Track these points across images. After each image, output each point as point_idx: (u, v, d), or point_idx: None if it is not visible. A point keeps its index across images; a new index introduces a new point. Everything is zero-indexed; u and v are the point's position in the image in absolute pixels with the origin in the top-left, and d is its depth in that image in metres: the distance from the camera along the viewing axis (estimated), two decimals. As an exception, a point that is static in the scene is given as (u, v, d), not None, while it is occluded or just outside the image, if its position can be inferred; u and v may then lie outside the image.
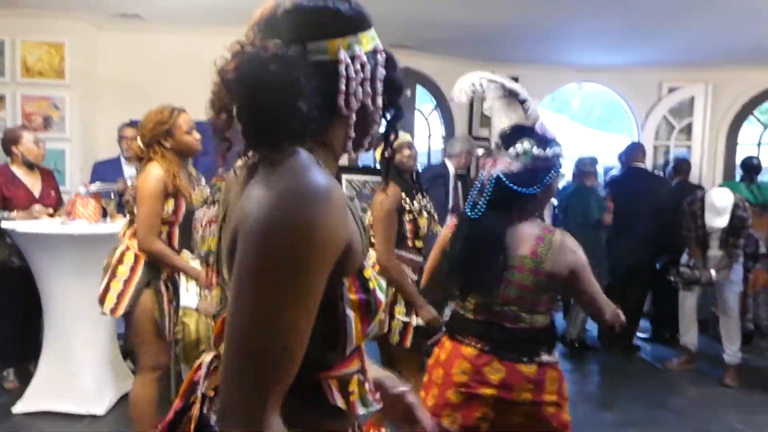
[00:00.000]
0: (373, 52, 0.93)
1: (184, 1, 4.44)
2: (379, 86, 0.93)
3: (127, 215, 2.77)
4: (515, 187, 1.82)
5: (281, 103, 0.80)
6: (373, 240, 2.70)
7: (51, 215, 3.75)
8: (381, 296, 0.90)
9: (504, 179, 1.82)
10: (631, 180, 5.38)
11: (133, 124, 4.31)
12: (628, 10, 4.66)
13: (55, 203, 3.93)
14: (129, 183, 3.86)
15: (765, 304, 4.83)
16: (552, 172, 1.86)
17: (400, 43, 5.56)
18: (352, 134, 0.91)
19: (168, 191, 2.59)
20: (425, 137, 6.31)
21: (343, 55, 0.88)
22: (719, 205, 4.27)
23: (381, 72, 0.93)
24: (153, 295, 2.63)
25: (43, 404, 3.43)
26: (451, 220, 2.05)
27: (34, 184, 3.86)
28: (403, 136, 2.79)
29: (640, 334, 5.36)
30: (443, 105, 6.20)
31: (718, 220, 4.26)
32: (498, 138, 1.97)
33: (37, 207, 3.71)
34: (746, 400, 4.10)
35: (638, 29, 5.19)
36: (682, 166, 5.56)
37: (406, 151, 2.82)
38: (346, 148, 0.93)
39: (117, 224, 3.68)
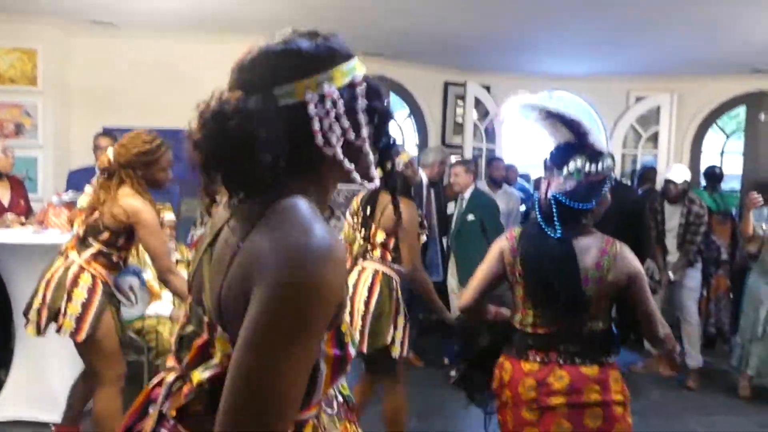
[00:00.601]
0: (350, 86, 0.93)
1: (156, 8, 4.47)
2: (361, 117, 0.93)
3: (81, 229, 2.62)
4: (573, 204, 1.88)
5: (242, 157, 0.84)
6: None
7: (23, 224, 3.75)
8: (352, 351, 0.93)
9: (561, 198, 1.88)
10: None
11: (107, 133, 4.31)
12: (595, 22, 4.81)
13: (24, 212, 3.92)
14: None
15: (726, 309, 4.99)
16: (605, 184, 1.93)
17: (373, 51, 5.64)
18: (350, 167, 0.92)
19: None
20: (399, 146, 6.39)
21: (310, 96, 0.89)
22: (676, 176, 4.42)
23: (361, 103, 0.93)
24: (113, 314, 2.62)
25: (14, 412, 3.42)
26: (502, 238, 2.05)
27: (3, 193, 3.85)
28: (405, 155, 2.92)
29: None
30: (417, 113, 6.30)
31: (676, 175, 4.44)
32: (548, 158, 2.01)
33: (9, 216, 3.70)
34: (707, 403, 4.23)
35: (606, 40, 5.35)
36: (648, 174, 5.74)
37: (409, 170, 2.93)
38: (356, 180, 0.94)
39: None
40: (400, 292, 2.83)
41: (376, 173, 0.98)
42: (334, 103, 0.90)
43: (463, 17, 4.73)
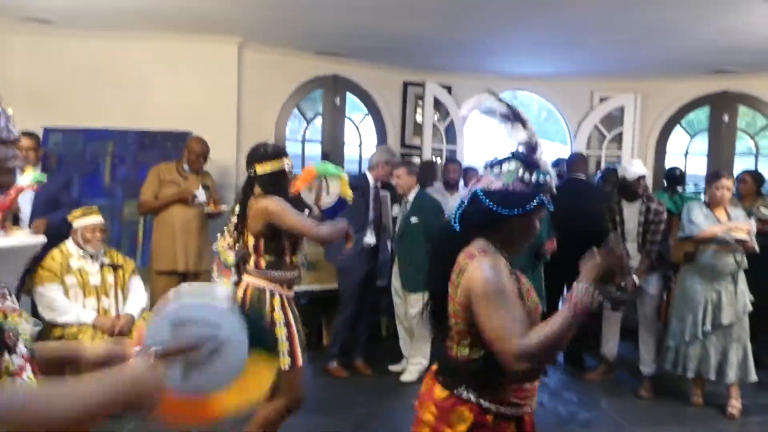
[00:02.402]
0: None
1: (95, 6, 4.33)
2: None
3: None
4: (488, 203, 1.71)
5: None
6: None
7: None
8: None
9: (481, 195, 1.73)
10: (567, 192, 5.40)
11: (26, 134, 4.11)
12: (555, 23, 4.70)
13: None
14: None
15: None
16: (533, 200, 1.71)
17: (330, 51, 5.53)
18: None
19: None
20: (356, 146, 6.27)
21: None
22: (632, 170, 4.33)
23: None
24: None
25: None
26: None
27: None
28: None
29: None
30: (375, 113, 6.19)
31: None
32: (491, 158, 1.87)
33: None
34: (656, 412, 4.14)
35: (569, 40, 5.25)
36: (611, 176, 5.61)
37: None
38: None
39: (11, 238, 3.56)
40: (279, 303, 2.77)
41: None
42: None
43: (421, 17, 4.61)
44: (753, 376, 4.08)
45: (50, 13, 4.51)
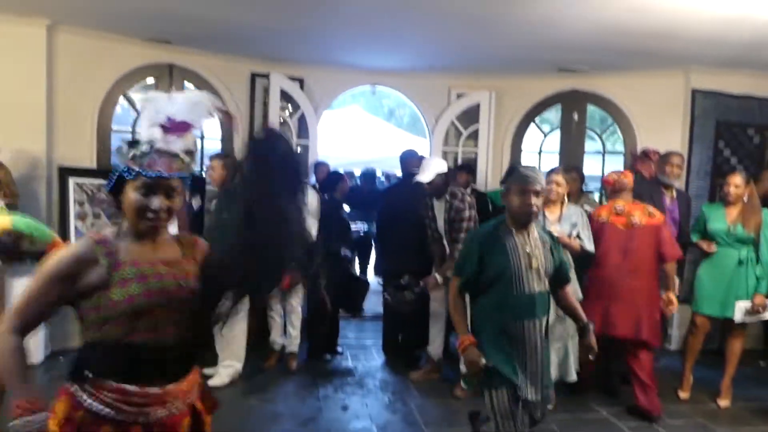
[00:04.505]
0: None
1: None
2: None
3: None
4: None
5: None
6: None
7: None
8: None
9: None
10: (398, 190, 5.37)
11: None
12: (400, 17, 4.56)
13: None
14: None
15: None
16: (116, 173, 1.65)
17: (162, 38, 5.25)
18: None
19: None
20: (197, 138, 6.01)
21: None
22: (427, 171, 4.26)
23: None
24: None
25: None
26: None
27: None
28: None
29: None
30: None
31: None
32: None
33: None
34: (458, 412, 4.05)
35: (421, 35, 5.15)
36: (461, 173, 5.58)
37: None
38: None
39: None
40: None
41: None
42: None
43: (257, 5, 4.37)
44: (572, 376, 4.12)
45: None
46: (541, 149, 6.71)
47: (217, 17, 4.71)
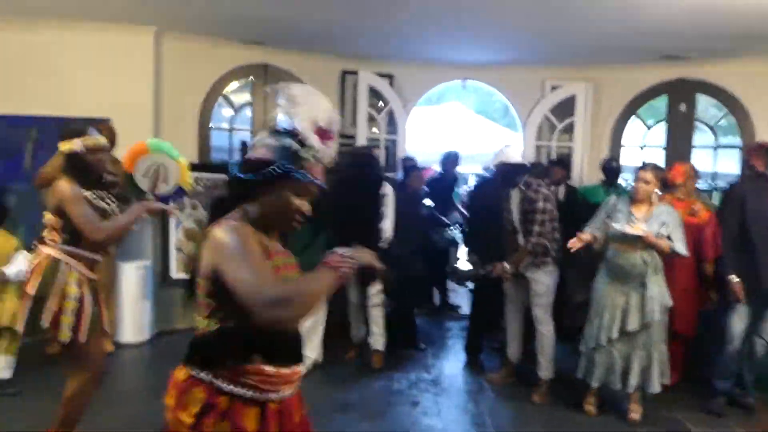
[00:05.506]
0: None
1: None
2: None
3: None
4: (233, 171, 1.69)
5: None
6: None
7: None
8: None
9: (233, 164, 1.77)
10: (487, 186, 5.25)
11: None
12: (502, 9, 4.50)
13: None
14: None
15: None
16: (272, 165, 1.61)
17: (257, 40, 5.52)
18: None
19: None
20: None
21: None
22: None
23: None
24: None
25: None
26: None
27: None
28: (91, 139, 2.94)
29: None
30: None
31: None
32: None
33: None
34: (553, 418, 3.91)
35: (518, 27, 5.01)
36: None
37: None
38: None
39: None
40: (75, 278, 2.77)
41: None
42: None
43: (346, 5, 4.50)
44: (655, 387, 3.80)
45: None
46: (645, 143, 6.26)
47: (308, 18, 4.88)
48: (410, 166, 5.36)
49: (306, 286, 1.52)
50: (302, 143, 1.65)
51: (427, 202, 5.48)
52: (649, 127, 6.28)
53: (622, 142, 6.19)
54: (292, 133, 1.68)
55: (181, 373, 1.66)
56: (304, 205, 1.65)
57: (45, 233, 2.85)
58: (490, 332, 5.05)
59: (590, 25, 4.78)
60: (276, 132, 1.68)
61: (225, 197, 1.72)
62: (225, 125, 5.76)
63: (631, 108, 6.11)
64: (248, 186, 1.64)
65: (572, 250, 3.85)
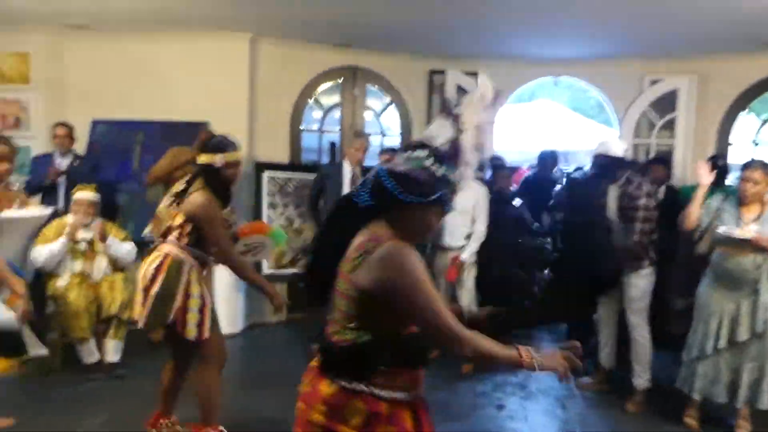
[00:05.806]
0: None
1: (129, 10, 4.79)
2: None
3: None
4: (389, 185, 1.64)
5: None
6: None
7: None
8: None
9: (384, 175, 1.66)
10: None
11: (62, 124, 4.91)
12: (580, 3, 4.35)
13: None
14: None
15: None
16: (433, 192, 1.64)
17: (346, 42, 5.62)
18: None
19: None
20: (378, 136, 6.31)
21: None
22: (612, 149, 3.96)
23: None
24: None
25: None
26: None
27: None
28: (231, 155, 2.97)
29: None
30: (400, 104, 6.19)
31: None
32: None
33: None
34: (648, 429, 3.72)
35: (615, 18, 4.78)
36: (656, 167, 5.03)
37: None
38: None
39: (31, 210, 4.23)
40: (194, 276, 2.90)
41: None
42: None
43: (437, 5, 4.50)
44: (765, 403, 3.49)
45: (86, 19, 5.14)
46: (757, 141, 5.78)
47: (395, 19, 4.91)
48: (497, 165, 5.23)
49: (488, 353, 1.60)
50: (453, 169, 1.70)
51: (516, 202, 5.32)
52: (764, 122, 5.79)
53: (731, 138, 5.74)
54: (450, 159, 1.73)
55: (327, 388, 1.64)
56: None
57: (169, 232, 2.94)
58: (583, 336, 4.84)
59: (694, 11, 4.46)
60: (436, 156, 1.68)
61: (352, 206, 1.70)
62: (314, 127, 5.92)
63: (742, 101, 5.66)
64: (401, 204, 1.63)
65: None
